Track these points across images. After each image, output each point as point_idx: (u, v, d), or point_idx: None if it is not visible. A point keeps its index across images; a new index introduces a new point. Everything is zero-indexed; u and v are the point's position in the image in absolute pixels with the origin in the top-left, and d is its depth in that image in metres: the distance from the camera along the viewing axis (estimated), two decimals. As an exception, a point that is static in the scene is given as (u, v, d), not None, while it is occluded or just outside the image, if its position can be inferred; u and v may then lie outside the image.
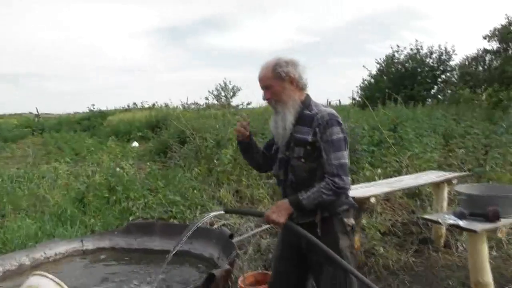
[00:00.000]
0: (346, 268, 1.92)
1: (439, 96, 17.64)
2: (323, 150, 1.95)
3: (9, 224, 4.39)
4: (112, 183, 5.25)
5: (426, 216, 3.28)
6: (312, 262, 2.05)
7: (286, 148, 2.08)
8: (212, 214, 2.18)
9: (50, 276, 1.66)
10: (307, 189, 1.95)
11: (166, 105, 20.18)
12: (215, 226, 4.18)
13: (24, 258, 2.52)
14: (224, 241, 2.47)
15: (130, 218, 4.35)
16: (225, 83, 30.36)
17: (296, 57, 2.08)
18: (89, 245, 2.82)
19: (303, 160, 2.01)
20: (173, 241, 2.77)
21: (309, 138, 1.98)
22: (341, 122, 1.99)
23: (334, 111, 2.03)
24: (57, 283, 1.64)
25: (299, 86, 2.05)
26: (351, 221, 2.07)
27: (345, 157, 1.96)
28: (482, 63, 17.15)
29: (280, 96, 2.03)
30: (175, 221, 4.49)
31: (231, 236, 2.47)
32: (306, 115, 2.03)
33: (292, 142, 2.04)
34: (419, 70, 18.22)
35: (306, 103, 2.06)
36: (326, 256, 1.92)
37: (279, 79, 2.00)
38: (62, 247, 2.73)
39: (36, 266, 2.53)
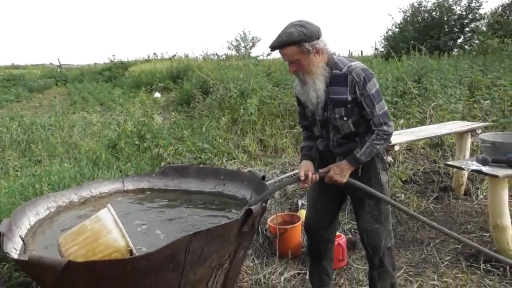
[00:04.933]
0: (392, 204, 2.18)
1: (465, 46, 17.05)
2: (365, 104, 2.03)
3: (48, 168, 4.68)
4: (142, 131, 5.46)
5: (450, 163, 3.37)
6: (354, 197, 2.23)
7: (324, 110, 2.12)
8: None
9: (113, 212, 1.85)
10: (360, 145, 2.08)
11: (186, 56, 20.13)
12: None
13: (73, 196, 2.76)
14: (257, 182, 2.62)
15: (162, 164, 4.57)
16: (244, 34, 29.92)
17: (314, 21, 2.01)
18: (130, 185, 3.03)
19: (345, 118, 2.08)
20: (206, 183, 2.99)
21: (348, 97, 2.03)
22: (373, 73, 2.06)
23: (363, 64, 2.07)
24: (115, 220, 1.82)
25: (324, 52, 2.03)
26: (389, 158, 2.24)
27: (385, 104, 2.08)
28: (514, 12, 16.37)
29: (308, 68, 2.02)
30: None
31: (263, 178, 2.62)
32: (337, 74, 2.05)
33: (331, 104, 2.08)
34: (446, 18, 17.54)
35: (331, 63, 2.06)
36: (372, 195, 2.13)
37: (306, 53, 1.97)
38: (105, 187, 2.96)
39: (84, 203, 2.77)
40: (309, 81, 2.05)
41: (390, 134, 2.09)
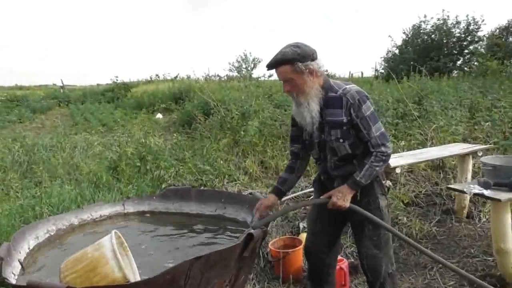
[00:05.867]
0: (391, 231, 2.15)
1: (465, 68, 17.22)
2: (361, 126, 2.05)
3: (48, 190, 4.67)
4: (143, 153, 5.47)
5: (451, 186, 3.36)
6: (354, 221, 2.22)
7: (321, 132, 2.15)
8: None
9: (113, 241, 1.79)
10: (359, 168, 2.08)
11: (188, 77, 20.31)
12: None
13: (73, 219, 2.73)
14: (257, 206, 2.61)
15: (163, 186, 4.57)
16: (245, 55, 30.25)
17: (309, 44, 2.06)
18: (130, 208, 3.00)
19: (341, 140, 2.10)
20: (207, 206, 2.98)
21: (344, 119, 2.05)
22: (368, 96, 2.08)
23: (357, 87, 2.10)
24: (113, 250, 1.76)
25: (318, 74, 2.06)
26: (388, 182, 2.24)
27: (381, 125, 2.09)
28: (512, 34, 16.58)
29: (301, 88, 2.04)
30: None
31: (264, 201, 2.61)
32: (332, 97, 2.08)
33: (327, 126, 2.11)
34: (445, 41, 17.76)
35: (326, 85, 2.09)
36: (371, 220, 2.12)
37: (299, 73, 2.00)
38: (105, 210, 2.93)
39: (84, 226, 2.75)
40: (303, 102, 2.08)
41: (388, 155, 2.09)
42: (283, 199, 2.87)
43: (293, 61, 1.98)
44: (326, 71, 2.19)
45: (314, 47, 2.07)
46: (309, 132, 2.19)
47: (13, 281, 1.89)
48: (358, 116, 2.03)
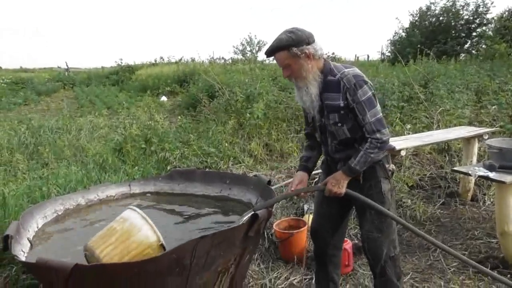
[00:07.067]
0: (392, 217, 2.14)
1: (473, 51, 17.00)
2: (357, 111, 2.03)
3: (55, 171, 4.71)
4: (148, 135, 5.49)
5: (457, 168, 3.36)
6: (357, 204, 2.22)
7: (321, 116, 2.16)
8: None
9: (138, 210, 1.89)
10: (355, 154, 2.08)
11: (193, 60, 20.21)
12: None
13: (80, 199, 2.77)
14: (262, 187, 2.63)
15: (168, 167, 4.59)
16: (250, 38, 30.01)
17: (305, 28, 2.06)
18: (136, 189, 3.03)
19: (339, 124, 2.09)
20: (212, 187, 3.00)
21: (341, 103, 2.05)
22: (366, 80, 2.04)
23: (357, 71, 2.07)
24: (143, 217, 1.87)
25: (316, 57, 2.05)
26: (392, 166, 2.23)
27: (379, 111, 2.06)
28: (522, 16, 16.30)
29: (299, 73, 2.06)
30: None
31: (269, 183, 2.62)
32: (331, 81, 2.07)
33: (326, 110, 2.11)
34: (453, 23, 17.51)
35: (326, 69, 2.09)
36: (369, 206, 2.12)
37: (295, 58, 2.01)
38: (112, 190, 2.96)
39: (91, 206, 2.78)
40: (302, 86, 2.09)
41: (384, 142, 2.05)
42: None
43: (288, 46, 2.00)
44: (333, 54, 2.16)
45: (310, 31, 2.06)
46: (312, 115, 2.21)
47: (23, 258, 1.93)
48: (354, 100, 2.02)
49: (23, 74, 24.62)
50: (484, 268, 2.15)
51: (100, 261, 1.75)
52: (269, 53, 2.08)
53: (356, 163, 2.07)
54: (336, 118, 2.09)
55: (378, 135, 2.03)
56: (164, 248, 1.85)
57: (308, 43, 2.01)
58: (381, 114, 2.06)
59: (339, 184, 2.12)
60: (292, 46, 1.99)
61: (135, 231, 1.84)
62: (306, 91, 2.08)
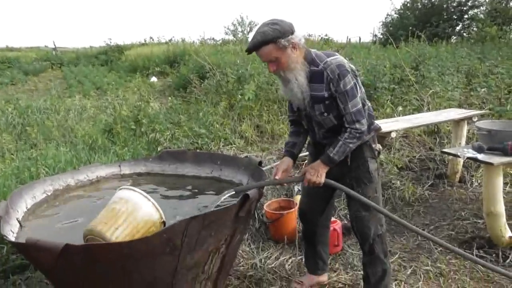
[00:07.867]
0: (379, 210, 2.15)
1: (464, 34, 17.02)
2: (339, 101, 2.03)
3: (43, 152, 4.66)
4: (138, 116, 5.44)
5: (445, 150, 3.39)
6: (345, 184, 2.22)
7: (306, 106, 2.14)
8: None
9: (138, 189, 1.91)
10: (334, 144, 2.08)
11: (183, 40, 19.93)
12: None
13: (70, 180, 2.75)
14: (253, 168, 2.63)
15: (158, 149, 4.56)
16: (242, 18, 29.63)
17: (283, 17, 2.01)
18: (126, 170, 3.02)
19: (325, 114, 2.09)
20: (203, 168, 2.99)
21: (325, 93, 2.04)
22: (349, 69, 2.03)
23: (339, 59, 2.04)
24: (145, 196, 1.90)
25: (300, 47, 2.01)
26: (378, 146, 2.25)
27: (359, 101, 2.05)
28: (513, -1, 16.30)
29: (287, 65, 2.00)
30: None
31: (260, 163, 2.62)
32: (314, 71, 2.04)
33: (311, 101, 2.09)
34: (445, 5, 17.46)
35: (308, 59, 2.05)
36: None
37: (283, 50, 1.96)
38: (102, 171, 2.94)
39: (81, 187, 2.77)
40: (291, 78, 2.04)
41: (362, 133, 2.07)
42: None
43: (276, 39, 1.93)
44: (325, 35, 2.13)
45: (290, 20, 2.00)
46: (297, 105, 2.19)
47: (12, 239, 1.92)
48: (337, 90, 2.01)
49: (9, 53, 24.03)
50: (463, 251, 2.16)
51: None
52: (253, 49, 1.98)
53: (335, 153, 2.08)
54: (322, 108, 2.09)
55: (357, 125, 2.04)
56: (165, 225, 1.89)
57: (292, 33, 1.97)
58: (361, 105, 2.06)
59: (318, 173, 2.12)
60: (279, 38, 1.93)
61: (139, 210, 1.87)
62: (295, 82, 2.04)
